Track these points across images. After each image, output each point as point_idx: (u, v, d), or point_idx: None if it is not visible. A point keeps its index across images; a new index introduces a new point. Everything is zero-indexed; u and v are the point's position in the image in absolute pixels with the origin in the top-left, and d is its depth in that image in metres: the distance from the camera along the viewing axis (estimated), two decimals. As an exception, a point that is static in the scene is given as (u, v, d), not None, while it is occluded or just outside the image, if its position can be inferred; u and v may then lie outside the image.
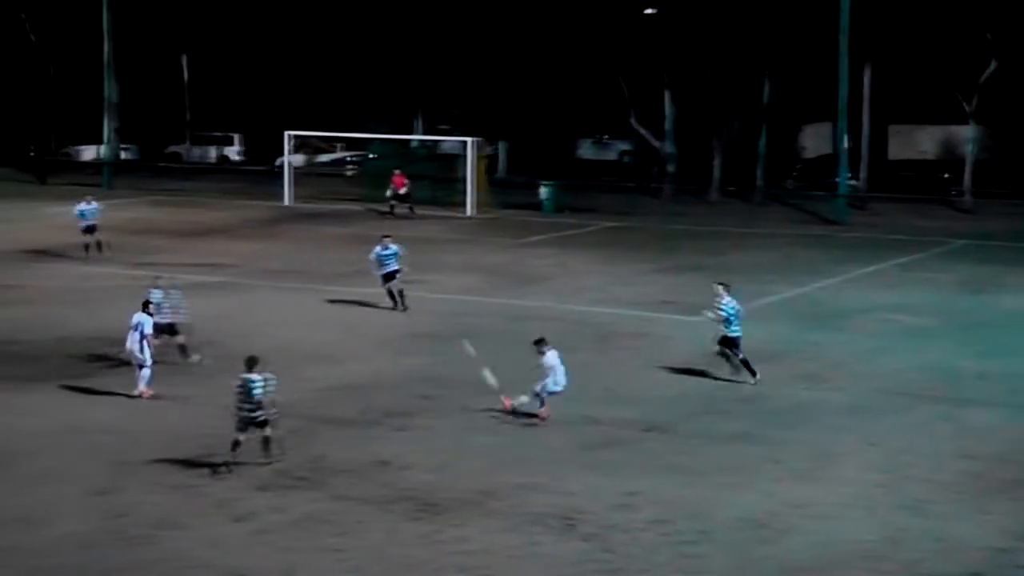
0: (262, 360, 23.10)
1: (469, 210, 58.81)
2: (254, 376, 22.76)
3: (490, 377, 25.96)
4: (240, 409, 22.69)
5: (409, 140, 73.04)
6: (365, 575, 18.38)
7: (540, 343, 25.69)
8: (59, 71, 78.65)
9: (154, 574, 18.26)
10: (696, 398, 27.55)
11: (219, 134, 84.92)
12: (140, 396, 26.84)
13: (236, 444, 22.53)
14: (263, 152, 77.92)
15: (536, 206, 59.93)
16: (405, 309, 36.05)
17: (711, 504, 20.94)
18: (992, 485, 22.16)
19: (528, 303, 37.89)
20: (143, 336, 26.87)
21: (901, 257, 46.91)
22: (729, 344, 28.76)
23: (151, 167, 77.79)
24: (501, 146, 75.63)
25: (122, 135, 76.97)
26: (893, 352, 31.96)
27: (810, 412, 26.59)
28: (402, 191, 58.08)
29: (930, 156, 71.93)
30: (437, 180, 62.51)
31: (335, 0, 76.67)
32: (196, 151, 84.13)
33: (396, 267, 36.37)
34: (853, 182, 61.70)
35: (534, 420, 25.40)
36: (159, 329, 29.45)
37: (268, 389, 22.74)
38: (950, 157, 68.41)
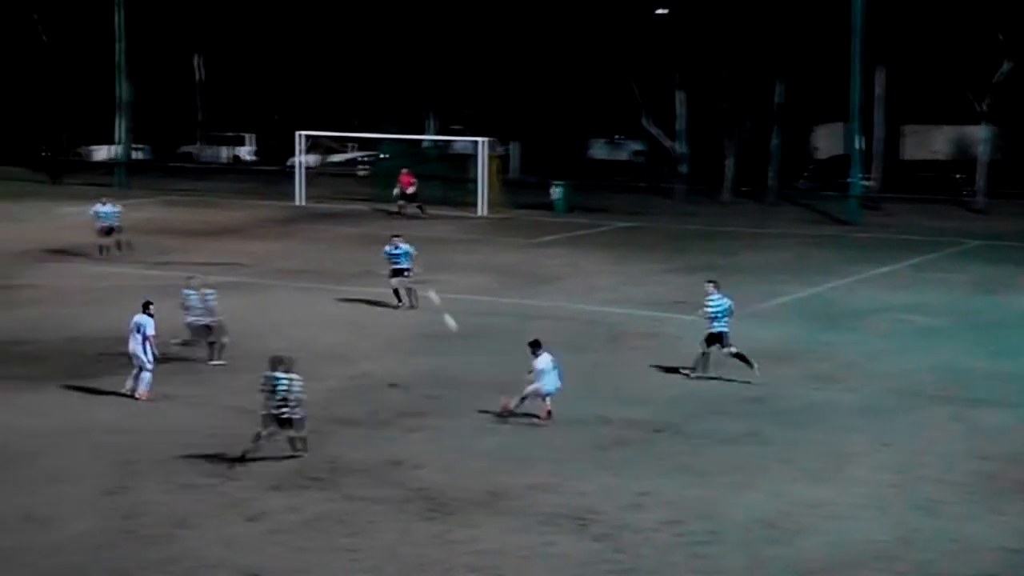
0: (289, 360, 23.27)
1: (481, 210, 58.81)
2: (279, 374, 22.90)
3: (451, 322, 25.94)
4: (266, 406, 22.84)
5: (421, 140, 73.08)
6: (378, 575, 18.39)
7: (533, 345, 25.70)
8: (72, 71, 78.78)
9: (166, 574, 18.27)
10: (707, 398, 27.52)
11: (232, 134, 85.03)
12: (137, 399, 26.78)
13: (257, 437, 22.76)
14: (276, 152, 78.00)
15: (548, 206, 59.92)
16: (413, 307, 36.12)
17: (723, 504, 20.92)
18: (1005, 485, 22.12)
19: (540, 303, 37.88)
20: (145, 338, 26.82)
21: (914, 257, 46.84)
22: (714, 340, 28.75)
23: (164, 167, 77.90)
24: (513, 146, 75.62)
25: (135, 135, 77.07)
26: (906, 352, 31.91)
27: (822, 412, 26.55)
28: (409, 191, 58.05)
29: (943, 156, 71.80)
30: (449, 180, 62.55)
31: (348, 0, 76.69)
32: (209, 151, 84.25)
33: (406, 266, 36.44)
34: (866, 182, 61.62)
35: (534, 419, 25.37)
36: (196, 331, 29.64)
37: (293, 389, 22.89)
38: (963, 157, 68.28)
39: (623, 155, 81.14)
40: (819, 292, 40.17)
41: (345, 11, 76.90)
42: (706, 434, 24.92)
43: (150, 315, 27.21)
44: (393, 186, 58.72)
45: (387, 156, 68.96)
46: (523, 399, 25.39)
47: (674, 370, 29.40)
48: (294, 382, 22.94)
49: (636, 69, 65.40)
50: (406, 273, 36.58)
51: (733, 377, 28.79)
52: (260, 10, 79.00)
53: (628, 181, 70.89)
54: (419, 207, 57.67)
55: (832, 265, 44.84)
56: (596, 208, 59.49)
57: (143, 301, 27.78)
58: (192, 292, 30.49)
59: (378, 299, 37.10)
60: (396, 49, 75.53)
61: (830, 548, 19.25)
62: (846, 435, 24.91)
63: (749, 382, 28.38)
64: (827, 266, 44.62)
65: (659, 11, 65.81)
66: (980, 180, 61.90)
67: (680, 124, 66.21)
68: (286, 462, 22.72)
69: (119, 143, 75.11)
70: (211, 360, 29.93)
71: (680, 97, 65.70)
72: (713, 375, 28.87)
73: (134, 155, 78.48)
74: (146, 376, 26.90)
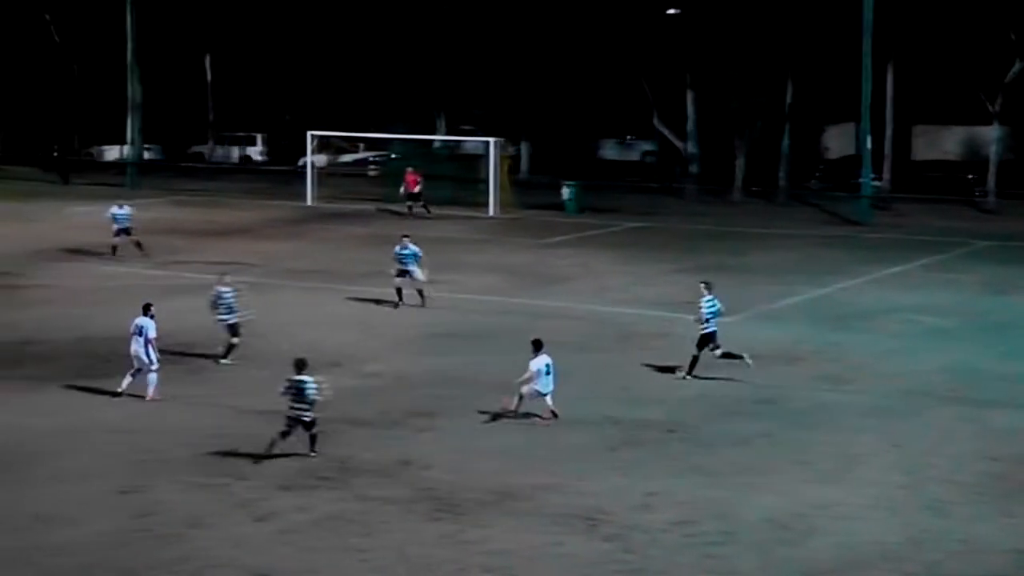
0: (311, 363, 23.51)
1: (491, 210, 58.81)
2: (305, 377, 23.03)
3: (420, 274, 25.94)
4: (292, 408, 23.04)
5: (431, 140, 73.09)
6: (388, 575, 18.40)
7: (534, 345, 25.69)
8: (83, 71, 78.89)
9: (178, 573, 18.30)
10: (718, 399, 27.50)
11: (242, 134, 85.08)
12: (153, 400, 26.83)
13: (284, 435, 22.97)
14: (286, 152, 78.05)
15: (559, 206, 59.91)
16: (424, 304, 36.31)
17: (734, 505, 20.91)
18: (1015, 486, 22.10)
19: (550, 303, 37.88)
20: (147, 341, 26.83)
21: (924, 258, 46.78)
22: (706, 342, 28.77)
23: (174, 167, 77.95)
24: (524, 146, 75.61)
25: (145, 135, 77.13)
26: (915, 353, 31.88)
27: (832, 413, 26.54)
28: (415, 190, 58.07)
29: (954, 157, 71.67)
30: (459, 180, 62.53)
31: (359, 1, 76.72)
32: (219, 151, 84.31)
33: (414, 267, 36.53)
34: (877, 183, 61.54)
35: (535, 419, 25.37)
36: (227, 328, 29.76)
37: (322, 391, 23.11)
38: (974, 158, 68.14)
39: (634, 155, 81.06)
40: (829, 292, 40.13)
41: (356, 11, 76.92)
42: (716, 435, 24.91)
43: (151, 317, 27.20)
44: (401, 186, 58.79)
45: (397, 156, 68.92)
46: (520, 398, 25.41)
47: (669, 370, 29.36)
48: (321, 385, 23.26)
49: (647, 69, 65.36)
50: (415, 275, 36.62)
51: (741, 378, 28.77)
52: (270, 10, 79.05)
53: (639, 181, 70.81)
54: (423, 206, 57.67)
55: (842, 265, 44.79)
56: (606, 208, 59.45)
57: (144, 303, 27.79)
58: (228, 289, 30.68)
59: (387, 298, 37.12)
60: (406, 49, 75.54)
61: (840, 549, 19.24)
62: (856, 436, 24.89)
63: (744, 382, 28.39)
64: (837, 266, 44.57)
65: (670, 11, 65.75)
66: (991, 180, 61.77)
67: (690, 124, 66.16)
68: (296, 463, 22.73)
69: (130, 143, 75.18)
70: (219, 360, 30.00)
71: (690, 97, 65.66)
72: (710, 376, 28.84)
73: (145, 155, 78.56)
74: (152, 377, 26.90)
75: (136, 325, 27.08)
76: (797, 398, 27.64)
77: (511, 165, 66.86)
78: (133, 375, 27.01)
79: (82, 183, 71.12)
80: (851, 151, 68.44)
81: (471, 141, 69.56)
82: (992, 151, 62.34)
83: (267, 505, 20.80)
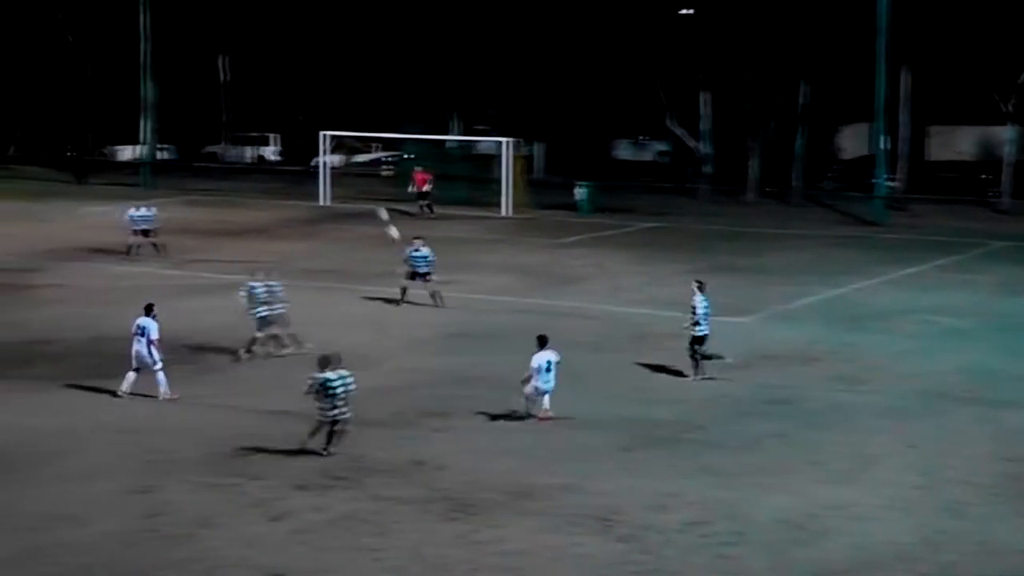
0: (337, 358, 23.50)
1: (505, 210, 58.79)
2: (330, 375, 22.99)
3: (383, 214, 26.11)
4: (321, 408, 23.11)
5: (445, 140, 73.11)
6: (402, 575, 18.36)
7: (539, 341, 25.61)
8: (97, 71, 79.01)
9: (191, 573, 18.28)
10: (732, 399, 27.45)
11: (256, 134, 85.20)
12: (169, 399, 26.79)
13: (314, 434, 23.04)
14: (300, 152, 78.16)
15: (572, 206, 59.89)
16: (442, 304, 36.28)
17: (748, 505, 20.85)
18: (1031, 488, 22.03)
19: (564, 303, 37.85)
20: (150, 341, 26.80)
21: (939, 258, 46.68)
22: (698, 343, 28.74)
23: (189, 167, 78.10)
24: (538, 147, 75.58)
25: (160, 135, 77.28)
26: (931, 354, 31.79)
27: (847, 413, 26.46)
28: (424, 188, 58.06)
29: (968, 157, 71.52)
30: (474, 180, 62.53)
31: (374, 1, 76.76)
32: (233, 151, 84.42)
33: (425, 270, 36.55)
34: (891, 183, 61.44)
35: (531, 419, 25.31)
36: (266, 322, 29.85)
37: (348, 387, 23.13)
38: (988, 158, 68.00)
39: (648, 156, 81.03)
40: (844, 293, 40.05)
41: (370, 11, 76.96)
42: (731, 435, 24.85)
43: (152, 317, 27.15)
44: (409, 185, 58.89)
45: (411, 156, 68.95)
46: (527, 398, 25.35)
47: (679, 372, 29.32)
48: (347, 380, 23.24)
49: (661, 70, 65.29)
50: (427, 278, 36.65)
51: (760, 379, 28.73)
52: (285, 11, 79.13)
53: (653, 182, 70.79)
54: (428, 206, 57.66)
55: (857, 266, 44.70)
56: (620, 208, 59.41)
57: (145, 303, 27.75)
58: (258, 284, 30.78)
59: (398, 298, 37.15)
60: (421, 50, 75.56)
61: (854, 550, 19.17)
62: (871, 436, 24.81)
63: (712, 379, 28.39)
64: (852, 267, 44.49)
65: (683, 11, 65.70)
66: (1006, 181, 61.63)
67: (705, 125, 66.08)
68: (311, 462, 22.71)
69: (144, 143, 75.30)
70: (245, 352, 30.10)
71: (705, 98, 65.58)
72: (703, 375, 28.86)
73: (159, 155, 78.71)
74: (160, 377, 26.84)
75: (138, 325, 27.01)
76: (812, 398, 27.57)
77: (525, 165, 66.87)
78: (135, 374, 26.89)
79: (96, 183, 71.26)
80: (866, 151, 68.36)
81: (485, 141, 69.57)
82: (1006, 151, 62.18)
83: (281, 505, 20.77)
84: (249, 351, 30.39)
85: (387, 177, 72.07)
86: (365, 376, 28.77)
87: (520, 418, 25.44)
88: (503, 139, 61.17)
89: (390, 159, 76.58)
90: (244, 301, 31.06)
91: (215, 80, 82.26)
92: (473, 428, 25.21)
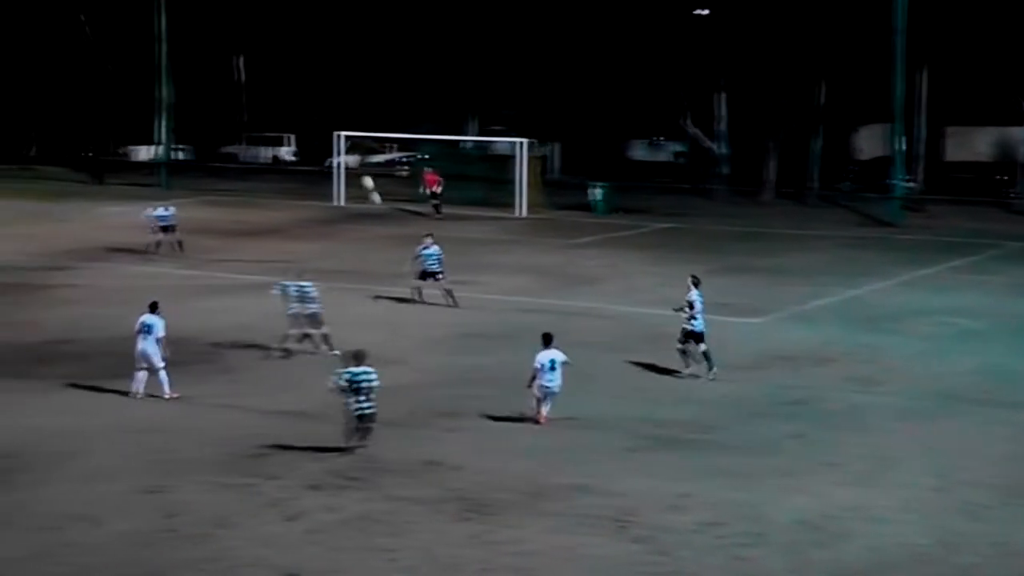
0: (362, 354, 23.55)
1: (521, 211, 58.77)
2: (355, 369, 23.12)
3: (368, 182, 25.95)
4: (348, 404, 23.14)
5: (461, 141, 73.15)
6: (415, 575, 18.35)
7: (544, 339, 25.55)
8: (116, 72, 79.21)
9: (207, 572, 18.28)
10: (748, 400, 27.39)
11: (273, 135, 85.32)
12: (168, 398, 26.81)
13: (354, 434, 23.12)
14: (316, 152, 78.30)
15: (588, 207, 59.85)
16: (452, 304, 36.34)
17: (764, 506, 20.79)
18: (1049, 489, 21.94)
19: (579, 304, 37.82)
20: (158, 339, 26.77)
21: (956, 260, 46.57)
22: (692, 338, 28.69)
23: (205, 167, 78.23)
24: (553, 147, 75.57)
25: (177, 135, 77.44)
26: (947, 355, 31.70)
27: (864, 415, 26.39)
28: (434, 190, 58.12)
29: (985, 158, 71.37)
30: (490, 181, 62.55)
31: (390, 2, 76.83)
32: (250, 151, 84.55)
33: (436, 269, 36.59)
34: (908, 184, 61.30)
35: (530, 421, 25.27)
36: (301, 321, 29.86)
37: (371, 383, 23.26)
38: (1006, 159, 67.84)
39: (664, 156, 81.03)
40: (861, 294, 39.96)
41: (387, 12, 77.03)
42: (746, 436, 24.80)
43: (158, 315, 27.11)
44: (420, 186, 59.03)
45: (427, 157, 69.01)
46: (537, 400, 25.30)
47: (726, 372, 29.26)
48: (370, 376, 23.29)
49: (677, 70, 65.24)
50: (438, 277, 36.69)
51: (776, 380, 28.67)
52: (301, 12, 79.24)
53: (669, 182, 70.73)
54: (436, 206, 57.71)
55: (874, 267, 44.61)
56: (636, 209, 59.37)
57: (150, 301, 27.72)
58: (291, 283, 30.84)
59: (416, 299, 37.14)
60: (437, 50, 75.60)
61: (871, 551, 19.10)
62: (888, 438, 24.74)
63: (696, 376, 28.40)
64: (868, 268, 44.40)
65: (697, 12, 65.63)
66: (1022, 182, 61.43)
67: (721, 125, 65.99)
68: (325, 463, 22.72)
69: (160, 143, 75.46)
70: (326, 347, 30.24)
71: (721, 98, 65.50)
72: (694, 372, 28.88)
73: (176, 155, 78.87)
74: (163, 376, 26.82)
75: (143, 323, 26.94)
76: (828, 399, 27.51)
77: (541, 166, 66.87)
78: (144, 373, 26.86)
79: (115, 183, 71.41)
80: (882, 152, 68.22)
81: (501, 142, 69.59)
82: (1023, 152, 62.02)
83: (296, 505, 20.76)
84: (284, 348, 30.41)
85: (404, 177, 72.08)
86: (380, 376, 28.85)
87: (526, 420, 25.37)
88: (519, 140, 61.14)
89: (406, 159, 76.63)
90: (280, 300, 31.15)
91: (231, 81, 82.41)
92: (487, 428, 25.18)
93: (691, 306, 28.88)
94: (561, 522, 20.07)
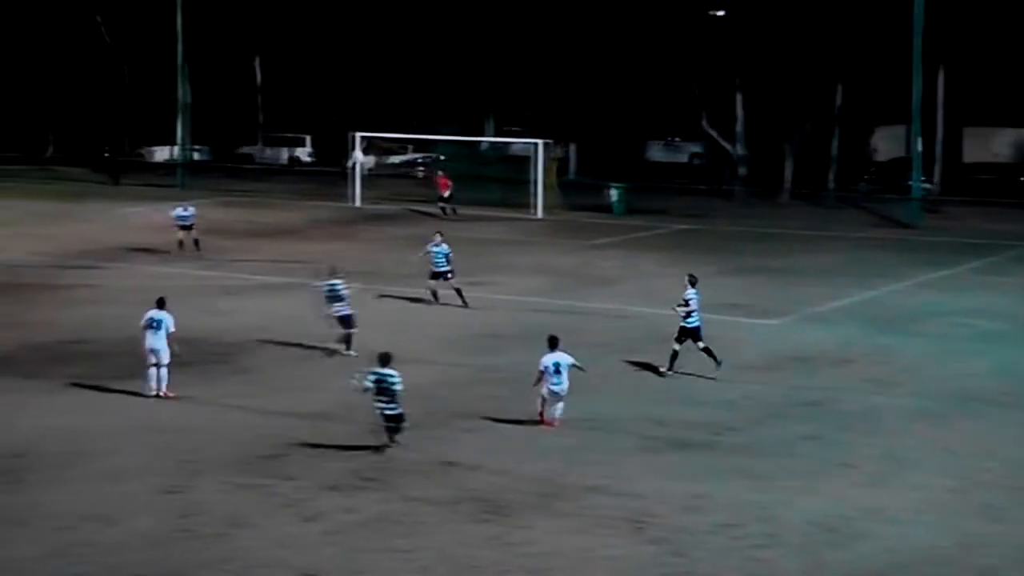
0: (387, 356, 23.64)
1: (538, 212, 58.77)
2: (379, 370, 23.28)
3: (360, 156, 25.61)
4: (377, 403, 23.28)
5: (478, 142, 73.15)
6: (432, 576, 18.37)
7: (549, 342, 25.51)
8: (133, 72, 79.39)
9: (224, 572, 18.29)
10: (764, 401, 27.33)
11: (290, 135, 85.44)
12: (165, 397, 26.79)
13: (383, 433, 23.29)
14: (334, 153, 78.39)
15: (605, 208, 59.81)
16: (465, 305, 36.38)
17: (781, 508, 20.75)
18: (1067, 491, 21.85)
19: (595, 305, 37.79)
20: (169, 334, 26.77)
21: (974, 261, 46.45)
22: (688, 335, 28.67)
23: (223, 168, 78.37)
24: (571, 148, 75.55)
25: (195, 136, 77.61)
26: (965, 356, 31.60)
27: (881, 416, 26.31)
28: (445, 193, 58.32)
29: (1004, 159, 71.18)
30: (508, 182, 62.55)
31: (408, 3, 76.89)
32: (268, 152, 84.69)
33: (445, 268, 36.61)
34: (926, 185, 61.16)
35: (539, 423, 25.23)
36: (340, 320, 29.92)
37: (393, 385, 23.34)
38: (1024, 160, 67.73)
39: (681, 157, 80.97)
40: (878, 295, 39.87)
41: (404, 13, 77.08)
42: (763, 437, 24.75)
43: (167, 311, 27.09)
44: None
45: (445, 158, 69.05)
46: (543, 400, 25.27)
47: (742, 373, 29.21)
48: (394, 377, 23.39)
49: (695, 71, 65.19)
50: (447, 276, 36.70)
51: (792, 381, 28.61)
52: (318, 13, 79.33)
53: (687, 183, 70.67)
54: (443, 208, 57.82)
55: (892, 268, 44.51)
56: (653, 210, 59.32)
57: (157, 297, 27.70)
58: (323, 283, 30.94)
59: (432, 300, 37.14)
60: (455, 51, 75.64)
61: (888, 553, 19.05)
62: (905, 439, 24.67)
63: (681, 373, 28.22)
64: (886, 269, 44.30)
65: (713, 12, 65.57)
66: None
67: (739, 126, 65.93)
68: (342, 463, 22.73)
69: (178, 144, 75.62)
70: (346, 350, 30.23)
71: (739, 99, 65.43)
72: (687, 372, 28.82)
73: (194, 156, 79.03)
74: (163, 373, 26.83)
75: (152, 319, 26.90)
76: (845, 401, 27.44)
77: (559, 167, 66.86)
78: (156, 369, 26.83)
79: (132, 184, 71.56)
80: (900, 153, 68.11)
81: (519, 143, 69.60)
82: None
83: (313, 505, 20.77)
84: (345, 345, 30.48)
85: (422, 178, 72.15)
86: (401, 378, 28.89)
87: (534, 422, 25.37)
88: (536, 140, 61.14)
89: (423, 160, 76.70)
90: (317, 300, 31.26)
91: (249, 81, 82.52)
92: (503, 429, 25.17)
93: (687, 304, 28.90)
94: (577, 523, 20.05)
